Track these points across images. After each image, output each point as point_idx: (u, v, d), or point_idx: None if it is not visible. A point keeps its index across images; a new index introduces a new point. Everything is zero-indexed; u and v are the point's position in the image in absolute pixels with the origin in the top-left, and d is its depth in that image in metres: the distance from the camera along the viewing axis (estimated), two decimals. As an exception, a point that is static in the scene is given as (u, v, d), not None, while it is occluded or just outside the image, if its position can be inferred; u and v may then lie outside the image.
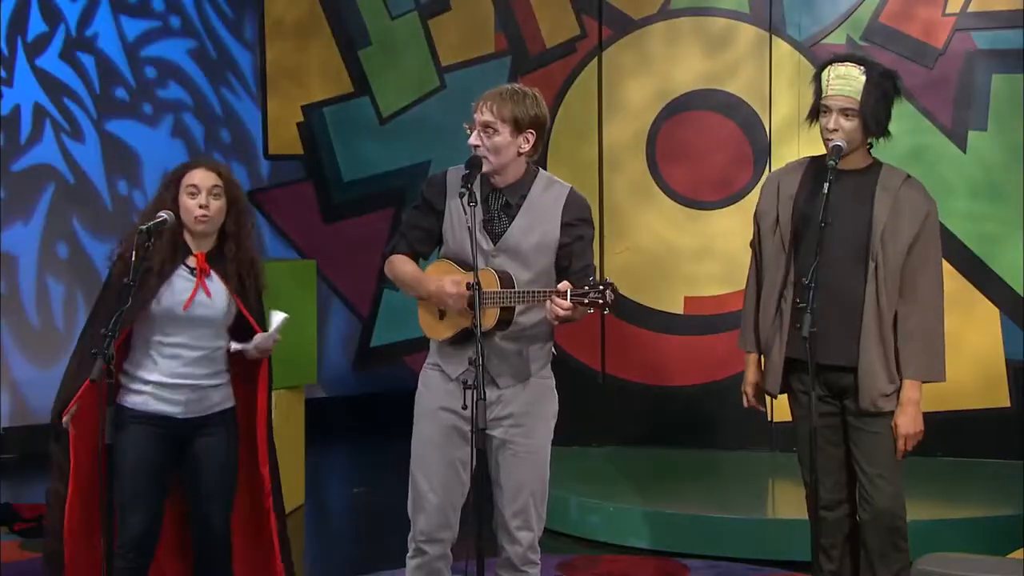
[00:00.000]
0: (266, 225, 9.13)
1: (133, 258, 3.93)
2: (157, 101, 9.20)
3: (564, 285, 3.81)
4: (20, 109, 8.56)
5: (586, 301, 3.79)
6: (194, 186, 4.18)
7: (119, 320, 3.84)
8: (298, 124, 8.37)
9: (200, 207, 4.16)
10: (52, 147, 8.70)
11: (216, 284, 4.23)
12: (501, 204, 4.05)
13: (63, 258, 8.69)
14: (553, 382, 4.19)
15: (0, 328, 8.39)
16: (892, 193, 4.30)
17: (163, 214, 4.11)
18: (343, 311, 9.01)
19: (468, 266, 3.97)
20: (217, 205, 4.20)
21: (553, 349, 4.21)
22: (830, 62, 4.36)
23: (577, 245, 4.08)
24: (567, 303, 3.78)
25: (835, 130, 4.26)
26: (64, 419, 4.10)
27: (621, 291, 3.86)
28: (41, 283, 8.62)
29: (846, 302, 4.27)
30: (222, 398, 4.30)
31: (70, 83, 8.78)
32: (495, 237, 4.03)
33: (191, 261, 4.21)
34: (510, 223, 4.03)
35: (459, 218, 4.03)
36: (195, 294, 4.17)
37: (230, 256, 4.25)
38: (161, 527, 4.26)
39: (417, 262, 4.19)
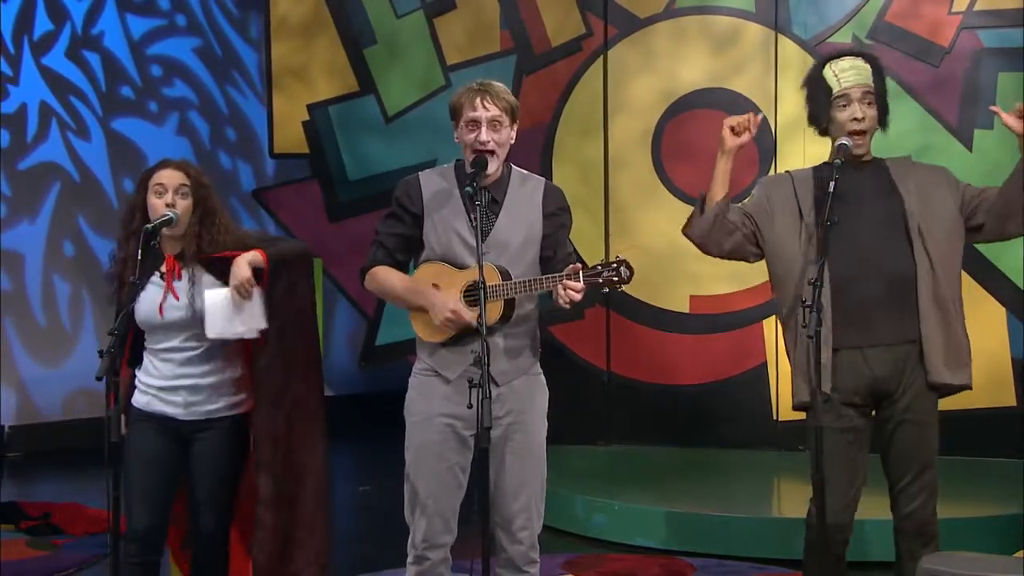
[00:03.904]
0: (271, 223, 9.14)
1: (139, 256, 3.95)
2: (163, 99, 9.21)
3: (574, 268, 3.79)
4: (26, 108, 8.58)
5: (601, 280, 3.77)
6: (161, 184, 4.17)
7: (123, 319, 3.87)
8: (303, 123, 8.37)
9: (167, 206, 4.13)
10: (58, 145, 8.71)
11: (184, 286, 4.17)
12: (487, 201, 4.01)
13: (69, 256, 8.70)
14: (543, 376, 4.16)
15: (6, 326, 8.41)
16: (908, 179, 4.20)
17: (169, 212, 4.11)
18: (349, 310, 9.02)
19: (460, 266, 3.97)
20: (184, 204, 4.16)
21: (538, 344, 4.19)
22: (827, 60, 4.28)
23: (560, 233, 4.09)
24: (580, 285, 3.77)
25: (862, 118, 4.16)
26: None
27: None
28: (47, 281, 8.62)
29: (896, 280, 4.11)
30: (227, 404, 4.22)
31: (76, 81, 8.80)
32: (483, 234, 3.97)
33: (162, 265, 4.18)
34: (496, 219, 4.02)
35: (444, 220, 4.01)
36: (164, 299, 4.13)
37: (190, 254, 4.17)
38: (168, 524, 4.25)
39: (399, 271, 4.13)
